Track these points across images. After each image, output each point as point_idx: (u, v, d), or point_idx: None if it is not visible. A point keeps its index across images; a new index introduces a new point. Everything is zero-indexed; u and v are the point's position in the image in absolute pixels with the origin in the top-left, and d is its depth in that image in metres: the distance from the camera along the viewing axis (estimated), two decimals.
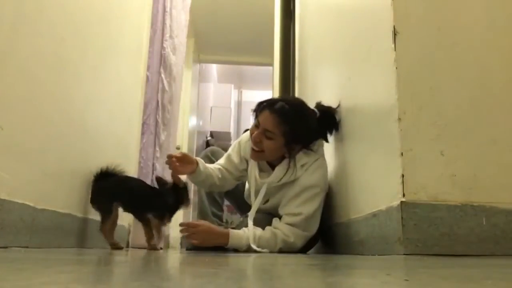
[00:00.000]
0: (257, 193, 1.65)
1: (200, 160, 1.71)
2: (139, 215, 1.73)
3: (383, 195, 1.13)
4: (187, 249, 1.71)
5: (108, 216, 1.62)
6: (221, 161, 1.80)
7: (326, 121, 1.64)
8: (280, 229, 1.53)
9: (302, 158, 1.59)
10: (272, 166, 1.67)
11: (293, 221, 1.54)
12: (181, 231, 1.52)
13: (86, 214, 1.69)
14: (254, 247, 1.49)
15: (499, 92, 1.10)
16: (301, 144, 1.59)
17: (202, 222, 1.56)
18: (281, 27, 3.28)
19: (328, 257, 1.21)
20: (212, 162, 1.89)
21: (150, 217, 1.69)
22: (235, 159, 1.76)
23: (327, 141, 1.67)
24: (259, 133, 1.56)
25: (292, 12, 3.24)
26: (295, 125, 1.55)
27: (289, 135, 1.54)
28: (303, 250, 1.71)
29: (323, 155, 1.67)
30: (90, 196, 1.66)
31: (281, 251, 1.53)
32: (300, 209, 1.55)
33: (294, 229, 1.53)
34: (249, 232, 1.51)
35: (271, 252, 1.51)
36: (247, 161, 1.75)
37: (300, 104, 1.63)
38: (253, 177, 1.68)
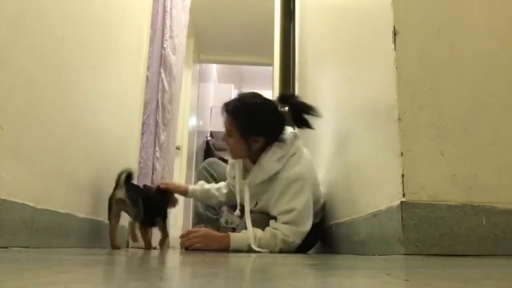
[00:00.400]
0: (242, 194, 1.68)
1: (193, 188, 1.90)
2: (151, 220, 1.81)
3: (383, 195, 1.13)
4: (186, 249, 1.72)
5: (117, 220, 1.73)
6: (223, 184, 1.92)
7: (293, 109, 1.68)
8: (279, 229, 1.54)
9: (276, 152, 1.60)
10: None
11: (289, 219, 1.54)
12: (183, 241, 1.54)
13: (86, 214, 1.69)
14: (255, 248, 1.50)
15: (499, 92, 1.10)
16: (262, 136, 1.62)
17: (200, 228, 1.59)
18: (281, 27, 3.28)
19: (328, 257, 1.21)
20: (211, 174, 1.99)
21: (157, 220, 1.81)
22: (229, 169, 1.82)
23: (298, 126, 1.70)
24: (224, 134, 1.70)
25: (292, 12, 3.24)
26: (247, 119, 1.63)
27: (243, 129, 1.62)
28: (303, 250, 1.71)
29: (300, 149, 1.67)
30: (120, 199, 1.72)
31: (281, 251, 1.54)
32: (292, 204, 1.55)
33: (292, 228, 1.54)
34: (249, 234, 1.52)
35: (271, 252, 1.52)
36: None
37: (252, 98, 1.70)
38: (237, 180, 1.72)
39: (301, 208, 1.55)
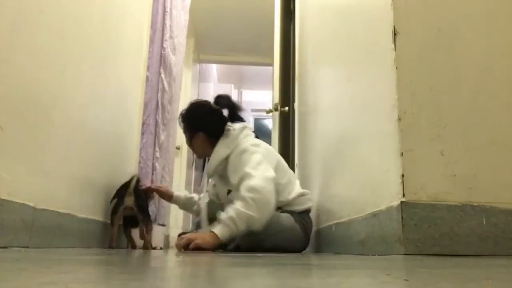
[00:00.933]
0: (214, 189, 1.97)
1: (177, 195, 2.11)
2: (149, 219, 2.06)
3: (383, 195, 1.13)
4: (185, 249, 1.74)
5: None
6: None
7: (228, 109, 1.93)
8: (238, 199, 1.53)
9: (223, 142, 1.81)
10: None
11: (243, 183, 1.57)
12: (183, 247, 1.52)
13: (86, 214, 1.69)
14: (241, 228, 1.49)
15: (499, 92, 1.10)
16: (200, 131, 1.87)
17: (188, 235, 1.59)
18: (281, 27, 3.28)
19: (328, 257, 1.21)
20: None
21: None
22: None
23: (232, 121, 1.90)
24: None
25: (292, 12, 3.24)
26: (186, 120, 1.94)
27: (187, 130, 1.93)
28: (298, 249, 1.73)
29: (248, 135, 1.83)
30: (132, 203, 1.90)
31: (258, 216, 1.51)
32: (242, 169, 1.62)
33: (248, 186, 1.54)
34: (226, 221, 1.50)
35: (250, 219, 1.50)
36: None
37: (190, 104, 2.00)
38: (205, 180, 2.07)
39: (252, 165, 1.62)
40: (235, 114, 1.93)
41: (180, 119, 1.96)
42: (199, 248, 1.47)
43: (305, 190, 1.87)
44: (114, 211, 1.89)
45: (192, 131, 1.90)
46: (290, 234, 1.73)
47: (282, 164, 1.86)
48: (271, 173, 1.62)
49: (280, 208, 1.73)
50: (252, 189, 1.53)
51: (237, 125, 1.87)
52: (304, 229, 1.78)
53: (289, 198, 1.76)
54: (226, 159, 1.77)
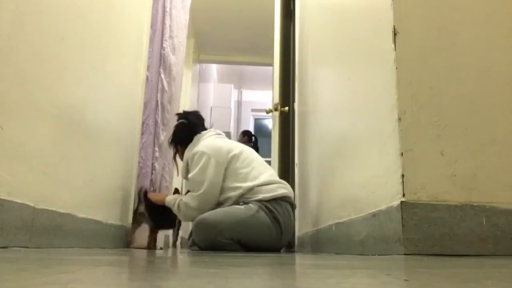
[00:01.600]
0: None
1: (169, 198, 2.22)
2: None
3: (383, 195, 1.13)
4: (190, 247, 1.98)
5: None
6: None
7: (185, 119, 2.30)
8: (183, 198, 2.06)
9: (186, 152, 2.17)
10: None
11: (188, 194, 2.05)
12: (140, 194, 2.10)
13: (86, 214, 1.69)
14: (174, 207, 2.08)
15: (499, 92, 1.10)
16: (178, 144, 2.28)
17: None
18: (281, 27, 3.28)
19: (328, 257, 1.21)
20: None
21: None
22: None
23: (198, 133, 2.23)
24: None
25: (292, 12, 3.24)
26: (171, 142, 2.33)
27: (173, 148, 2.34)
28: (270, 238, 1.88)
29: (200, 140, 2.16)
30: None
31: (183, 213, 2.05)
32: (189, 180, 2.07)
33: (190, 194, 2.03)
34: (173, 200, 2.12)
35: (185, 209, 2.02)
36: None
37: (175, 126, 2.34)
38: None
39: (191, 178, 2.03)
40: (196, 123, 2.28)
41: (169, 145, 2.36)
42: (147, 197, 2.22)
43: (277, 179, 2.07)
44: (133, 219, 2.35)
45: (174, 148, 2.31)
46: (252, 224, 1.85)
47: (244, 157, 2.07)
48: (202, 189, 2.00)
49: (243, 195, 1.94)
50: (186, 202, 2.04)
51: (201, 134, 2.20)
52: (273, 217, 1.89)
53: (253, 184, 1.95)
54: (187, 161, 2.12)
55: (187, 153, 2.13)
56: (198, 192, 1.97)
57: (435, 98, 1.08)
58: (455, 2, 1.15)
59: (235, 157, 2.03)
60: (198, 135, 2.18)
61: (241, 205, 1.90)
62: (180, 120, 2.30)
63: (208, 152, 2.01)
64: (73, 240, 1.56)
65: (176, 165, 2.37)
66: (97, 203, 1.84)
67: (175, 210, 2.07)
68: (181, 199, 2.04)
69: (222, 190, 1.98)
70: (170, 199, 2.13)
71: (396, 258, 0.97)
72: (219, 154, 2.02)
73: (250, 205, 1.89)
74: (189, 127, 2.25)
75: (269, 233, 1.87)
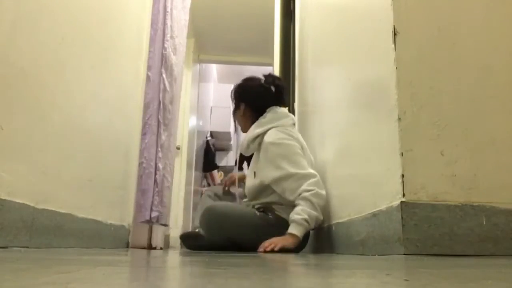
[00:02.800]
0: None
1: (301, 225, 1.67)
2: None
3: (383, 195, 1.13)
4: (188, 248, 1.86)
5: None
6: None
7: (272, 85, 1.92)
8: (303, 190, 1.63)
9: (261, 121, 1.85)
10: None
11: (302, 185, 1.64)
12: (266, 249, 1.56)
13: (86, 214, 1.69)
14: (311, 223, 1.61)
15: (499, 92, 1.10)
16: (244, 102, 1.93)
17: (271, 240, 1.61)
18: (281, 27, 3.28)
19: (328, 257, 1.21)
20: (219, 198, 2.05)
21: None
22: None
23: (277, 104, 1.91)
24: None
25: (292, 12, 3.24)
26: (235, 92, 1.98)
27: (234, 99, 1.98)
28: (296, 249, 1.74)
29: (285, 125, 1.84)
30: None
31: (320, 215, 1.64)
32: (284, 169, 1.69)
33: (307, 182, 1.65)
34: (301, 221, 1.59)
35: (317, 220, 1.63)
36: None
37: (244, 78, 2.02)
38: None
39: (292, 169, 1.69)
40: (280, 96, 1.94)
41: (231, 92, 2.00)
42: (283, 249, 1.55)
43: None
44: None
45: (237, 101, 1.96)
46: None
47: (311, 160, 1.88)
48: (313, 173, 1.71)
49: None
50: (315, 195, 1.63)
51: (282, 110, 1.89)
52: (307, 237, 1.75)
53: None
54: (259, 139, 1.81)
55: (259, 129, 1.82)
56: (315, 179, 1.69)
57: (435, 98, 1.08)
58: (455, 2, 1.14)
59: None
60: (273, 113, 1.86)
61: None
62: (258, 78, 1.97)
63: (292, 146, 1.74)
64: (73, 240, 1.56)
65: (235, 121, 2.04)
66: (97, 203, 1.84)
67: (311, 223, 1.61)
68: (309, 212, 1.60)
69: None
70: (298, 221, 1.60)
71: (396, 258, 0.97)
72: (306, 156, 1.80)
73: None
74: (267, 93, 1.91)
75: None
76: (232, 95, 1.99)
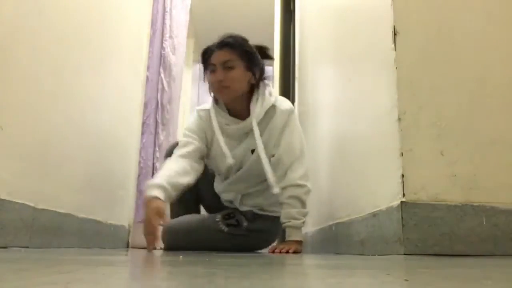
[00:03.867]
0: (235, 158, 1.61)
1: (159, 191, 1.43)
2: None
3: (383, 195, 1.13)
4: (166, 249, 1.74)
5: None
6: (182, 148, 1.65)
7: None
8: (290, 189, 1.55)
9: (264, 92, 1.62)
10: (237, 116, 1.64)
11: (293, 158, 1.58)
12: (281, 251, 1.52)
13: (86, 214, 1.69)
14: (302, 220, 1.56)
15: (499, 92, 1.10)
16: (259, 68, 1.62)
17: (283, 246, 1.55)
18: (281, 27, 3.28)
19: (328, 257, 1.21)
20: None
21: None
22: (197, 127, 1.70)
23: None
24: (219, 70, 1.58)
25: (292, 12, 3.24)
26: (245, 46, 1.62)
27: (246, 56, 1.60)
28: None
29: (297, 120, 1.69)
30: None
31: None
32: (293, 141, 1.60)
33: (298, 169, 1.57)
34: (300, 225, 1.56)
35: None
36: (206, 136, 1.68)
37: (255, 46, 1.69)
38: (218, 135, 1.62)
39: (300, 143, 1.62)
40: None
41: (237, 44, 1.61)
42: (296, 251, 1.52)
43: None
44: None
45: (252, 61, 1.61)
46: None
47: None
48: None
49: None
50: (307, 193, 1.58)
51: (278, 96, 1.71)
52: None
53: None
54: (270, 119, 1.59)
55: (283, 104, 1.63)
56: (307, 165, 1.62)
57: (435, 98, 1.08)
58: (455, 2, 1.14)
59: None
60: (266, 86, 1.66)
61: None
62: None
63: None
64: (73, 240, 1.56)
65: (227, 78, 1.58)
66: (97, 203, 1.84)
67: (305, 221, 1.59)
68: (303, 212, 1.57)
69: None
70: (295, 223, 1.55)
71: (396, 258, 0.97)
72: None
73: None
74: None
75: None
76: (238, 50, 1.59)
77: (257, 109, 1.59)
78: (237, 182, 1.68)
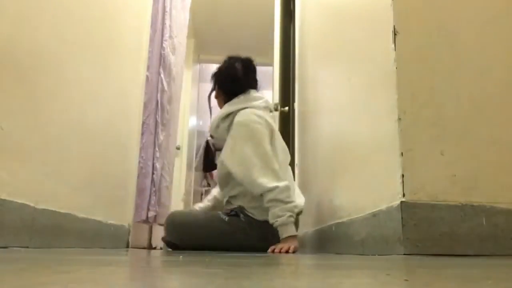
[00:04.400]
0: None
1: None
2: None
3: (383, 195, 1.13)
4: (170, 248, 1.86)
5: None
6: None
7: (249, 69, 1.96)
8: (267, 190, 1.61)
9: (233, 102, 1.85)
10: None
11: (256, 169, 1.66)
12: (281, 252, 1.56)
13: (86, 214, 1.69)
14: (294, 213, 1.62)
15: (499, 92, 1.10)
16: (221, 89, 1.93)
17: (281, 246, 1.59)
18: (281, 27, 3.28)
19: (328, 257, 1.21)
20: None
21: None
22: None
23: (252, 88, 1.92)
24: None
25: (292, 12, 3.24)
26: (213, 74, 1.99)
27: (214, 83, 1.98)
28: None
29: (256, 107, 1.82)
30: None
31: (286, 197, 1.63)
32: (242, 153, 1.70)
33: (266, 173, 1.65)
34: (284, 219, 1.60)
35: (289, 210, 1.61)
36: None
37: (223, 62, 2.01)
38: None
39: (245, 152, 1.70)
40: (255, 80, 1.95)
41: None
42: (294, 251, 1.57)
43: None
44: None
45: (214, 85, 1.99)
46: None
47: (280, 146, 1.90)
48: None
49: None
50: (281, 191, 1.62)
51: (255, 93, 1.89)
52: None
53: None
54: (231, 118, 1.81)
55: (227, 108, 1.84)
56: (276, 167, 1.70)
57: (435, 98, 1.08)
58: (455, 2, 1.15)
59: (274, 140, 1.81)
60: (246, 94, 1.87)
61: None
62: (234, 64, 1.96)
63: (260, 132, 1.74)
64: (73, 240, 1.56)
65: (210, 103, 2.08)
66: (97, 203, 1.84)
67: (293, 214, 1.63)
68: (288, 207, 1.62)
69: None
70: (281, 219, 1.60)
71: (396, 258, 0.97)
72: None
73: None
74: (242, 75, 1.92)
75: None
76: (212, 78, 2.00)
77: (213, 120, 1.92)
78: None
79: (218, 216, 1.77)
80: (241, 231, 1.71)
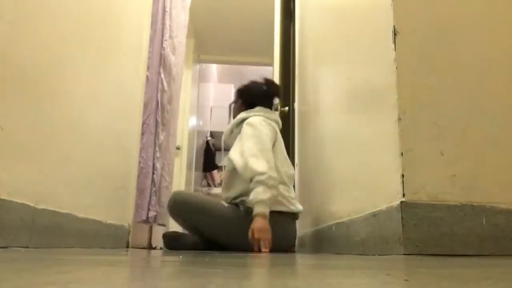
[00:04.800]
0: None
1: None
2: None
3: (383, 195, 1.13)
4: (169, 248, 1.96)
5: None
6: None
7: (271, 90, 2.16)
8: (259, 173, 1.72)
9: (241, 114, 2.03)
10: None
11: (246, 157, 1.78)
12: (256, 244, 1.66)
13: (86, 214, 1.69)
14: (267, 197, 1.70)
15: (499, 92, 1.10)
16: (241, 97, 2.13)
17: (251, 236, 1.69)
18: (281, 27, 3.28)
19: (328, 257, 1.21)
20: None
21: None
22: None
23: (267, 106, 2.10)
24: None
25: (292, 12, 3.24)
26: (238, 89, 2.18)
27: (235, 95, 2.18)
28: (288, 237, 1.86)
29: (262, 117, 1.97)
30: None
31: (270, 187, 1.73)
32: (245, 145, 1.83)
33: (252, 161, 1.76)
34: (262, 197, 1.69)
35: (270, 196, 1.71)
36: None
37: (250, 81, 2.19)
38: None
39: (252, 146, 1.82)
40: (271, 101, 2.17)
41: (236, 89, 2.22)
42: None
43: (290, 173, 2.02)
44: None
45: (236, 97, 2.18)
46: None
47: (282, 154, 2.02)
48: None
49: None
50: (269, 178, 1.73)
51: (272, 112, 2.10)
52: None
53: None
54: (240, 126, 1.97)
55: (248, 119, 1.97)
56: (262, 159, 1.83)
57: (435, 98, 1.08)
58: (455, 2, 1.15)
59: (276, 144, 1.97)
60: (263, 107, 2.07)
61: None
62: (263, 84, 2.16)
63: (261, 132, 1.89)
64: (73, 240, 1.56)
65: (230, 111, 2.25)
66: (97, 203, 1.84)
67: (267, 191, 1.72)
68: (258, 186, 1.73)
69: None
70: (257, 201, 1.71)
71: (396, 258, 0.97)
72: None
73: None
74: (262, 94, 2.13)
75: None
76: (236, 92, 2.19)
77: (229, 126, 2.10)
78: None
79: (219, 201, 1.92)
80: (238, 218, 1.81)
